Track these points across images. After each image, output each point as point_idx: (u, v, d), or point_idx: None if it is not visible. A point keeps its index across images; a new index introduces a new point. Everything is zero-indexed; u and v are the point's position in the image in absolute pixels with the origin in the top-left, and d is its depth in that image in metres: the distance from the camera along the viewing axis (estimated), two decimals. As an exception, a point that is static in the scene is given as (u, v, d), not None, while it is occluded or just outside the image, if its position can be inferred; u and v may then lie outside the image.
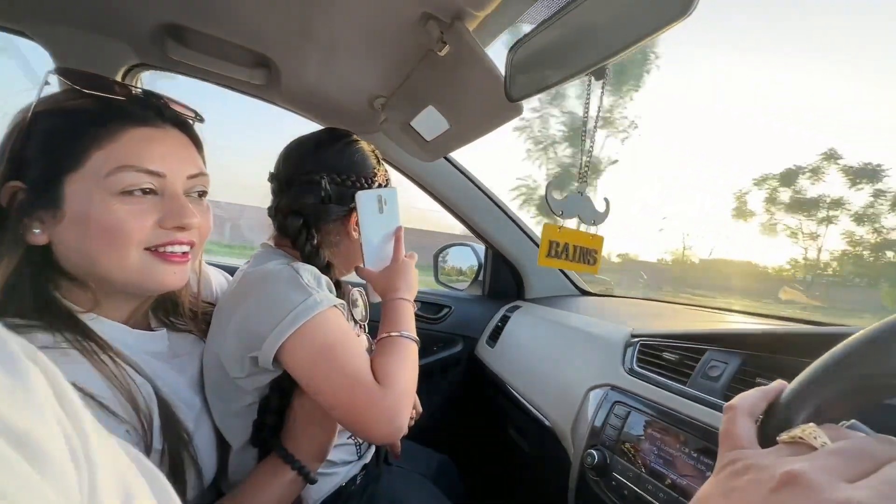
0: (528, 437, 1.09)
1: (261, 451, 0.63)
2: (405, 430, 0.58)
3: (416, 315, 0.76)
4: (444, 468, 1.00)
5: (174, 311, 0.66)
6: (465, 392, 1.41)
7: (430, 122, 0.97)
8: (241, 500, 0.57)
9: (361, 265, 0.75)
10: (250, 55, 0.95)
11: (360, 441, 0.73)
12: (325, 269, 0.66)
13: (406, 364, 0.63)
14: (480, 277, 1.59)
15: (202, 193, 0.57)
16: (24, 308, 0.46)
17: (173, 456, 0.53)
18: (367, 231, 0.73)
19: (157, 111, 0.53)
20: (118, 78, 0.94)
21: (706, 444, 0.59)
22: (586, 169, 0.53)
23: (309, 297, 0.57)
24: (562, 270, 1.49)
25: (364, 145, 0.77)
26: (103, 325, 0.52)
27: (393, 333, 0.65)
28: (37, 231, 0.47)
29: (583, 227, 0.56)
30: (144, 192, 0.49)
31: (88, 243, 0.47)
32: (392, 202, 0.75)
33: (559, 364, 0.97)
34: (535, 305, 1.36)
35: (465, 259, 1.65)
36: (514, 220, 1.38)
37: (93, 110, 0.49)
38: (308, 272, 0.61)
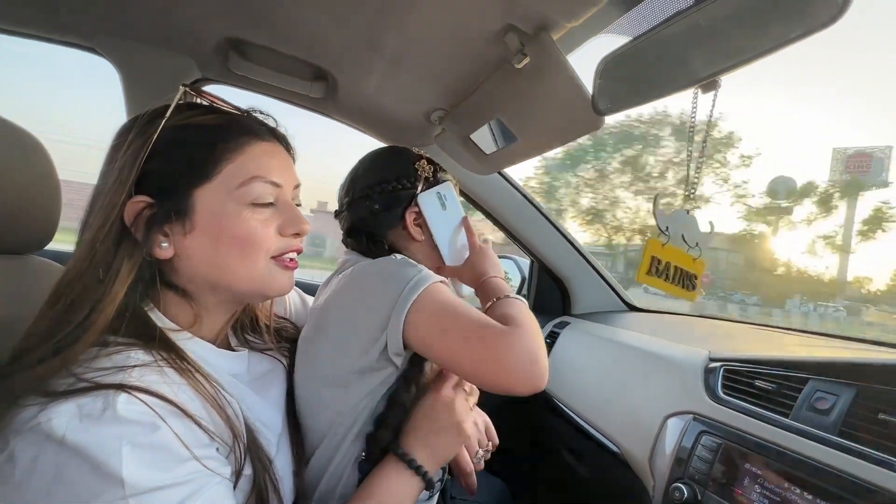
0: (586, 462, 1.04)
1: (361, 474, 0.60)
2: (546, 380, 0.54)
3: None
4: (503, 496, 0.96)
5: (252, 328, 0.66)
6: (512, 410, 1.36)
7: (492, 134, 0.95)
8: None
9: (442, 265, 0.75)
10: (310, 68, 0.94)
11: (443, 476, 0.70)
12: None
13: (525, 311, 0.60)
14: (524, 291, 1.55)
15: (298, 204, 0.58)
16: (125, 326, 0.45)
17: (258, 481, 0.50)
18: (437, 229, 0.73)
19: (270, 128, 0.55)
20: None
21: (821, 483, 0.54)
22: (694, 186, 0.49)
23: (420, 271, 0.58)
24: (610, 285, 1.44)
25: (395, 149, 0.78)
26: (195, 345, 0.51)
27: (499, 297, 0.64)
28: (164, 245, 0.47)
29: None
30: (266, 203, 0.50)
31: (219, 253, 0.48)
32: (451, 196, 0.75)
33: (626, 387, 0.93)
34: (584, 322, 1.31)
35: (508, 272, 1.62)
36: (563, 234, 1.35)
37: (222, 125, 0.50)
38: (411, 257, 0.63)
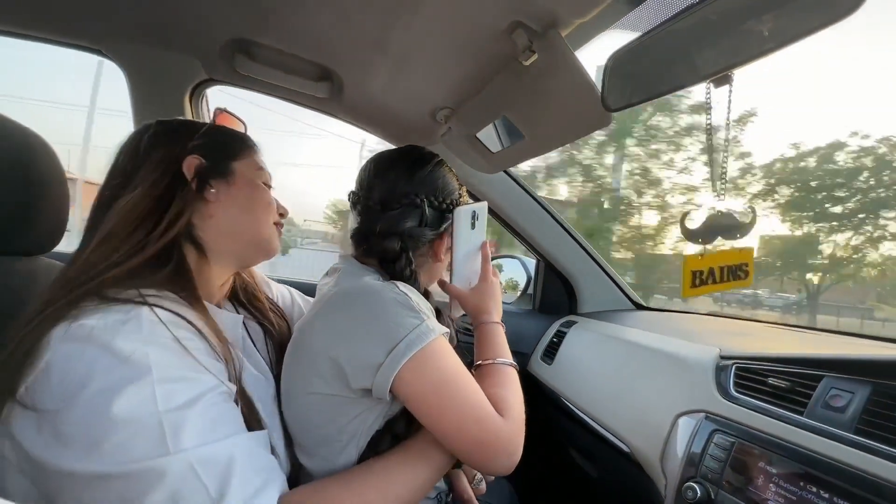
0: (595, 461, 1.04)
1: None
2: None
3: (469, 330, 0.75)
4: (510, 498, 0.96)
5: (248, 301, 0.71)
6: (518, 410, 1.36)
7: (498, 133, 0.95)
8: (390, 472, 0.54)
9: (447, 281, 0.73)
10: (315, 68, 0.94)
11: (444, 497, 0.70)
12: (424, 295, 0.64)
13: (516, 392, 0.62)
14: (530, 291, 1.55)
15: None
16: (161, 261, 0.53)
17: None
18: (458, 247, 0.71)
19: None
20: (188, 95, 0.96)
21: (838, 482, 0.53)
22: (722, 185, 0.49)
23: (422, 322, 0.54)
24: (617, 283, 1.44)
25: (446, 166, 0.74)
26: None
27: (498, 361, 0.65)
28: (213, 190, 0.58)
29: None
30: (270, 186, 0.66)
31: (253, 205, 0.61)
32: (482, 217, 0.73)
33: (635, 385, 0.92)
34: (591, 321, 1.31)
35: (513, 271, 1.61)
36: (569, 232, 1.34)
37: (244, 134, 0.67)
38: (416, 294, 0.59)
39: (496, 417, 0.54)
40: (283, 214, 0.67)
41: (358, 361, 0.53)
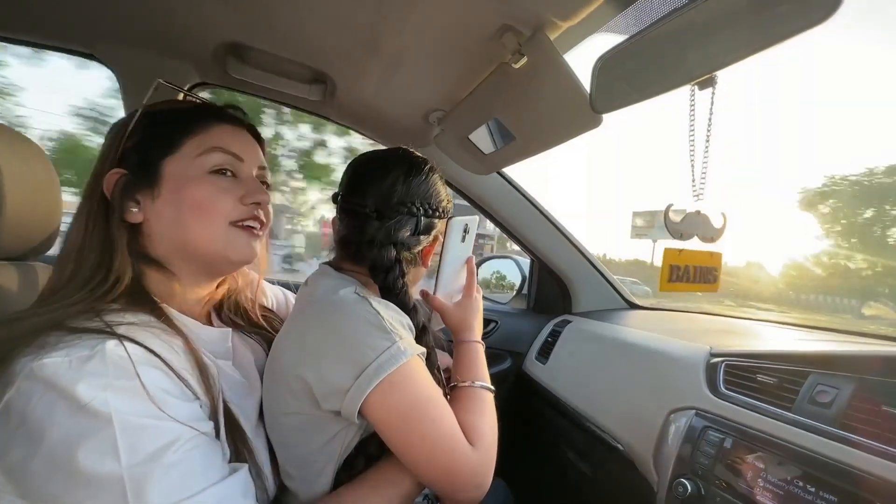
0: (589, 460, 1.04)
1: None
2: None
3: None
4: (504, 496, 0.97)
5: (235, 312, 0.67)
6: (514, 410, 1.37)
7: (490, 134, 0.96)
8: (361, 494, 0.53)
9: (430, 293, 0.73)
10: (308, 71, 0.95)
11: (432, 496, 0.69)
12: (412, 311, 0.62)
13: (490, 419, 0.60)
14: (524, 291, 1.56)
15: (266, 185, 0.61)
16: (117, 292, 0.49)
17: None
18: (447, 259, 0.70)
19: (239, 116, 0.60)
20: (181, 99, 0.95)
21: (824, 476, 0.54)
22: (702, 186, 0.50)
23: (393, 344, 0.51)
24: (611, 283, 1.45)
25: (439, 172, 0.72)
26: (176, 317, 0.53)
27: (476, 384, 0.64)
28: (134, 210, 0.52)
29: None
30: (227, 172, 0.55)
31: (182, 216, 0.52)
32: (473, 231, 0.72)
33: (628, 383, 0.93)
34: (585, 320, 1.32)
35: (508, 271, 1.62)
36: (563, 233, 1.35)
37: (191, 109, 0.57)
38: (389, 311, 0.57)
39: (466, 447, 0.52)
40: (258, 203, 0.56)
41: (326, 383, 0.52)
